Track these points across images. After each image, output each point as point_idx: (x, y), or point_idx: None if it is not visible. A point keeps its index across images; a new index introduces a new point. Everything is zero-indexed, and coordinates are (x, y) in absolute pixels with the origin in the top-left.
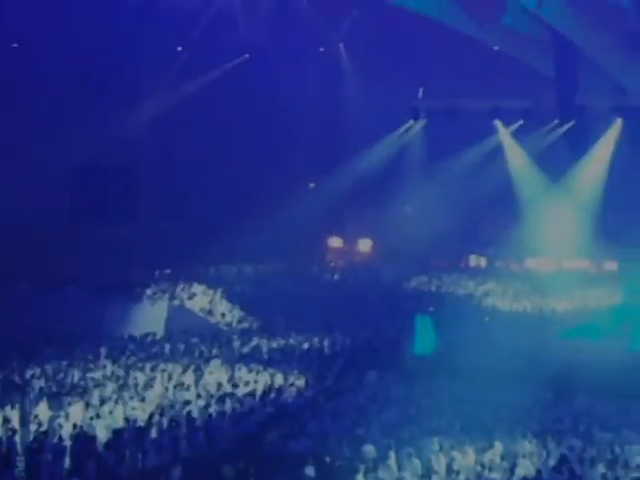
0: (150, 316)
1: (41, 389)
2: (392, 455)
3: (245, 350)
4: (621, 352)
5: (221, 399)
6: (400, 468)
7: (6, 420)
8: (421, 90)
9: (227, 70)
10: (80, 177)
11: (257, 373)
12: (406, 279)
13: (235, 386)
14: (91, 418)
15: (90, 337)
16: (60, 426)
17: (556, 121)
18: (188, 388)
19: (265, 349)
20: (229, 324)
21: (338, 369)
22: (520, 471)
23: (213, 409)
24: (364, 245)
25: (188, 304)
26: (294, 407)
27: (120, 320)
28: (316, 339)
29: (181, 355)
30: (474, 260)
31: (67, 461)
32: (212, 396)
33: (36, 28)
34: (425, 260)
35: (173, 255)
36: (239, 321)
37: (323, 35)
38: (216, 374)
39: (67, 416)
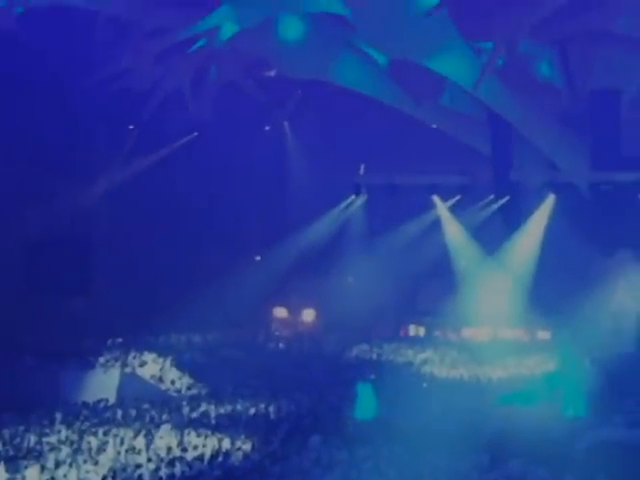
0: (103, 383)
1: None
2: None
3: (194, 415)
4: (554, 418)
5: (171, 462)
6: None
7: None
8: (362, 167)
9: (177, 147)
10: (36, 250)
11: (205, 437)
12: (348, 348)
13: (184, 450)
14: None
15: (46, 403)
16: None
17: (492, 196)
18: (139, 452)
19: (213, 414)
20: (178, 391)
21: (283, 434)
22: None
23: (163, 472)
24: (308, 315)
25: (139, 372)
26: (241, 470)
27: (74, 387)
28: (262, 405)
29: (133, 420)
30: (413, 329)
31: None
32: (162, 460)
33: None
34: (366, 329)
35: (125, 325)
36: (188, 388)
37: (269, 114)
38: (166, 438)
39: (23, 479)
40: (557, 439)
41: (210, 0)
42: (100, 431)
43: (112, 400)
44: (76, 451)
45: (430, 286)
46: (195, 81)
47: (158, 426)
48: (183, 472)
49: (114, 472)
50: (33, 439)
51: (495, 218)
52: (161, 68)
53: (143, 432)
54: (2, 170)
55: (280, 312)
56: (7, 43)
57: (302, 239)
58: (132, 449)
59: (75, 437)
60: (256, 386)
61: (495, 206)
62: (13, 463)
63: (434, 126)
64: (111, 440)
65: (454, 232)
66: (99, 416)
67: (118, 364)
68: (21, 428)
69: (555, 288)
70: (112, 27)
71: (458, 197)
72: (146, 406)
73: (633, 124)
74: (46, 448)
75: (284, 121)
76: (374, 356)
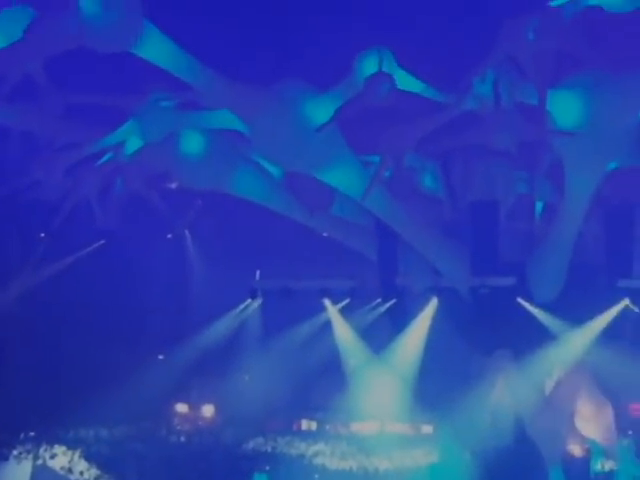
0: (16, 474)
1: None
2: None
3: None
4: None
5: None
6: None
7: None
8: (258, 272)
9: (85, 254)
10: None
11: None
12: (245, 441)
13: None
14: None
15: None
16: None
17: (379, 300)
18: None
19: None
20: None
21: None
22: None
23: None
24: (207, 410)
25: (50, 463)
26: None
27: None
28: None
29: None
30: (305, 424)
31: None
32: None
33: None
34: (262, 424)
35: (37, 419)
36: (96, 478)
37: (171, 223)
38: None
39: None
40: None
41: (116, 116)
42: None
43: None
44: None
45: (321, 383)
46: (102, 192)
47: None
48: None
49: None
50: None
51: (382, 320)
52: (70, 180)
53: None
54: None
55: (181, 407)
56: None
57: (202, 340)
58: None
59: None
60: (158, 476)
61: (382, 309)
62: None
63: (325, 234)
64: None
65: (344, 333)
66: None
67: (30, 456)
68: None
69: (437, 385)
70: (24, 142)
71: (347, 300)
72: None
73: (510, 232)
74: None
75: (185, 229)
76: (269, 449)
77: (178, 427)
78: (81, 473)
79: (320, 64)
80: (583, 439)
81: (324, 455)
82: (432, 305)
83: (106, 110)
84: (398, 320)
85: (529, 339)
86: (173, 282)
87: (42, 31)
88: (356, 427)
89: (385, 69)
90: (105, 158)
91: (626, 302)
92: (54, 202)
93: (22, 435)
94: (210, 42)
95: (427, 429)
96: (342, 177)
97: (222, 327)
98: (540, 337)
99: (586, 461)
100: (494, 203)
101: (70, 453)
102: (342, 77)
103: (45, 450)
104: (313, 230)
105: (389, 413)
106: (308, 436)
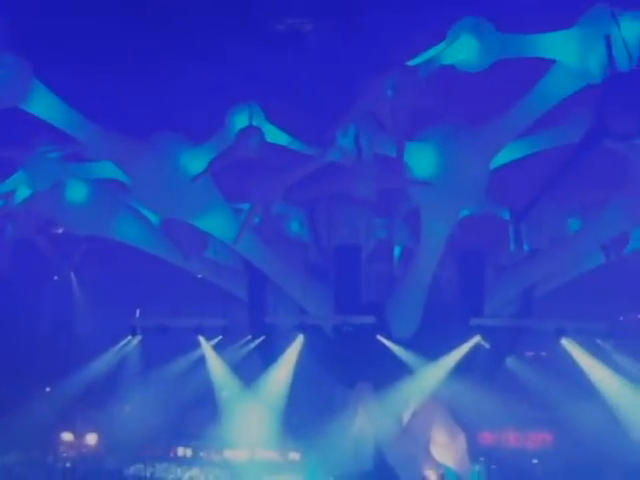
0: None
1: None
2: None
3: None
4: None
5: None
6: None
7: None
8: (138, 311)
9: None
10: None
11: None
12: (125, 467)
13: None
14: None
15: None
16: None
17: (249, 336)
18: None
19: None
20: None
21: None
22: None
23: None
24: (91, 439)
25: None
26: None
27: None
28: None
29: None
30: (182, 451)
31: None
32: None
33: None
34: (141, 451)
35: None
36: None
37: (57, 265)
38: None
39: None
40: None
41: (6, 167)
42: None
43: None
44: None
45: (196, 413)
46: None
47: None
48: None
49: None
50: None
51: (252, 355)
52: None
53: None
54: None
55: (67, 436)
56: None
57: (86, 373)
58: None
59: None
60: None
61: (252, 345)
62: None
63: (200, 275)
64: None
65: (217, 367)
66: None
67: None
68: None
69: (304, 415)
70: None
71: (220, 337)
72: None
73: (370, 275)
74: None
75: (70, 271)
76: (148, 474)
77: (64, 454)
78: None
79: (195, 118)
80: (438, 465)
81: None
82: (299, 341)
83: None
84: (267, 355)
85: (388, 373)
86: (59, 320)
87: None
88: (228, 454)
89: (255, 123)
90: None
91: (477, 339)
92: None
93: None
94: (93, 98)
95: (294, 456)
96: (215, 223)
97: (104, 362)
98: (398, 371)
99: None
100: (356, 247)
101: None
102: (215, 131)
103: None
104: (189, 272)
105: (259, 441)
106: (184, 462)
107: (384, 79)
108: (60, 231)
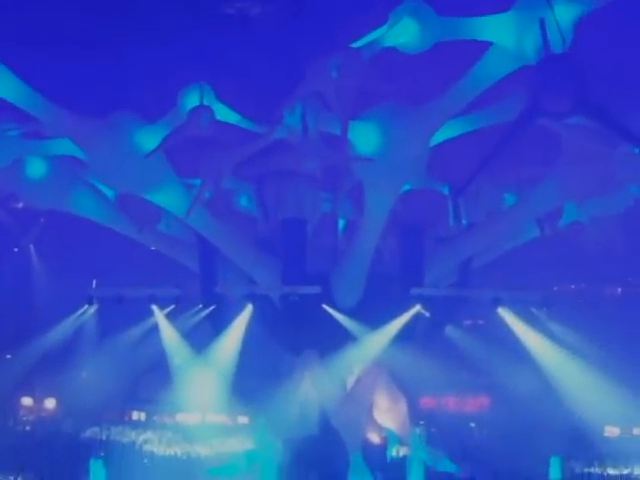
0: None
1: None
2: None
3: None
4: None
5: None
6: None
7: None
8: (94, 281)
9: None
10: None
11: None
12: (82, 430)
13: None
14: None
15: None
16: None
17: (200, 306)
18: None
19: None
20: None
21: None
22: None
23: None
24: (49, 403)
25: None
26: None
27: None
28: (11, 477)
29: None
30: (136, 414)
31: None
32: None
33: None
34: (97, 415)
35: None
36: None
37: (17, 238)
38: None
39: None
40: None
41: None
42: None
43: None
44: None
45: (150, 379)
46: None
47: None
48: None
49: None
50: None
51: (203, 323)
52: None
53: None
54: None
55: (26, 401)
56: None
57: (45, 341)
58: None
59: None
60: (4, 464)
61: (203, 314)
62: None
63: (153, 248)
64: None
65: (169, 335)
66: None
67: None
68: None
69: (252, 381)
70: None
71: (173, 306)
72: None
73: (316, 247)
74: None
75: (30, 244)
76: (104, 437)
77: (24, 418)
78: None
79: (148, 99)
80: (381, 428)
81: (152, 442)
82: (248, 310)
83: None
84: (218, 323)
85: (333, 340)
86: (19, 290)
87: None
88: (180, 418)
89: (206, 103)
90: None
91: (418, 308)
92: None
93: None
94: (52, 78)
95: (243, 420)
96: (168, 198)
97: (62, 330)
98: (342, 338)
99: (383, 448)
100: (302, 221)
101: None
102: (168, 110)
103: None
104: (143, 244)
105: (210, 405)
106: (138, 426)
107: (329, 60)
108: (20, 205)
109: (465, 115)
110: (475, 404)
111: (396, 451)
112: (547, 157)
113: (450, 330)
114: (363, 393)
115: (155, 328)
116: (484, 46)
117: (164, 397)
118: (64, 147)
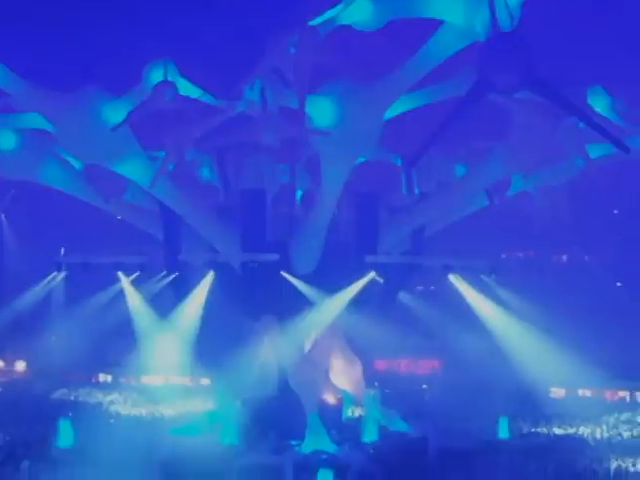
0: None
1: None
2: None
3: None
4: (214, 445)
5: None
6: None
7: None
8: (62, 249)
9: None
10: None
11: None
12: (51, 391)
13: None
14: None
15: None
16: None
17: (164, 272)
18: None
19: None
20: None
21: None
22: None
23: None
24: (20, 365)
25: None
26: None
27: None
28: None
29: None
30: (103, 377)
31: None
32: None
33: None
34: (66, 377)
35: None
36: None
37: None
38: None
39: None
40: (216, 461)
41: None
42: None
43: None
44: None
45: (116, 343)
46: None
47: None
48: None
49: None
50: None
51: (167, 289)
52: None
53: None
54: None
55: None
56: None
57: (15, 306)
58: None
59: None
60: None
61: (167, 280)
62: None
63: (119, 217)
64: None
65: (135, 301)
66: None
67: None
68: None
69: (214, 345)
70: None
71: (138, 273)
72: None
73: (275, 216)
74: None
75: (1, 213)
76: (72, 398)
77: None
78: None
79: (114, 74)
80: (337, 390)
81: (118, 403)
82: (209, 277)
83: None
84: (181, 289)
85: (291, 306)
86: None
87: None
88: (145, 380)
89: (169, 78)
90: None
91: (372, 274)
92: None
93: None
94: (22, 54)
95: (205, 381)
96: (133, 169)
97: (32, 295)
98: (300, 304)
99: (339, 408)
100: (261, 191)
101: None
102: (133, 85)
103: None
104: (109, 213)
105: (173, 368)
106: (105, 387)
107: (287, 38)
108: None
109: (417, 90)
110: (427, 366)
111: (351, 411)
112: (496, 131)
113: (403, 296)
114: (320, 356)
115: (121, 294)
116: (436, 24)
117: (130, 360)
118: (34, 120)
